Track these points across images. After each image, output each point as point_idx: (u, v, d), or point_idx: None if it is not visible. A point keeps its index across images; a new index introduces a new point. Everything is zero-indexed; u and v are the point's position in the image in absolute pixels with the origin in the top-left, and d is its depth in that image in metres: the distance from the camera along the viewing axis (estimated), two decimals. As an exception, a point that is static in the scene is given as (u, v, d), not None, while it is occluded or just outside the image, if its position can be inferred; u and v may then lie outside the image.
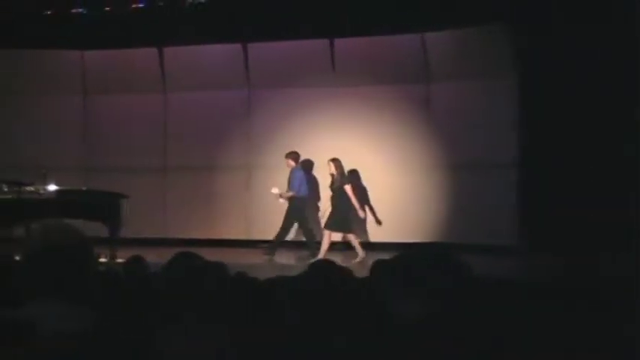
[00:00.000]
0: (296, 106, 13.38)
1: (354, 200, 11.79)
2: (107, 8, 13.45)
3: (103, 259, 10.60)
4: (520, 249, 11.52)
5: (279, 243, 12.17)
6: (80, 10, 13.59)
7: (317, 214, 12.85)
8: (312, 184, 12.94)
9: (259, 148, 13.47)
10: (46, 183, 11.17)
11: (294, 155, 12.32)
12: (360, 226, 12.62)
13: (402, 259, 3.07)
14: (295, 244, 12.52)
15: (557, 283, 5.07)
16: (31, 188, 11.04)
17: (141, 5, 13.43)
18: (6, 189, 10.92)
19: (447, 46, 12.70)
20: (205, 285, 2.93)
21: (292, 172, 12.23)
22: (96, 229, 10.46)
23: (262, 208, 13.21)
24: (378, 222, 12.75)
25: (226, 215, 13.52)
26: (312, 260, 11.42)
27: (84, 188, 12.04)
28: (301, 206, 12.18)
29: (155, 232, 13.39)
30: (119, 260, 10.09)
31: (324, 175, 12.55)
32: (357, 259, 11.33)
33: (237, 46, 13.62)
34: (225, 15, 13.08)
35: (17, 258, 4.38)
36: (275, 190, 12.17)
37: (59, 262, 2.55)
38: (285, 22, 12.94)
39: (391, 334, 2.69)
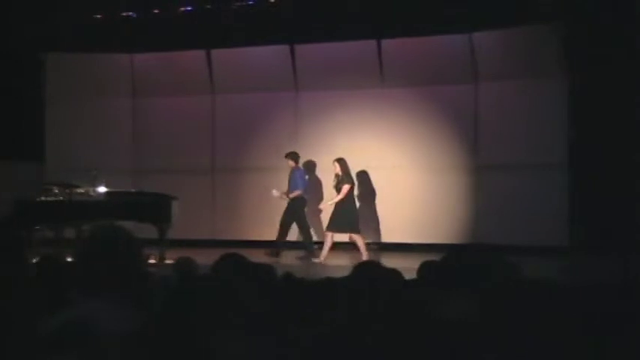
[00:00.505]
0: (342, 108, 13.34)
1: (337, 198, 11.68)
2: (155, 11, 13.57)
3: (152, 261, 10.70)
4: (571, 250, 11.38)
5: (282, 244, 12.29)
6: (129, 13, 13.74)
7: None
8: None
9: (306, 150, 13.46)
10: (97, 185, 11.32)
11: (293, 156, 12.46)
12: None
13: (449, 260, 3.05)
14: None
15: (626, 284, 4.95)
16: (82, 190, 11.19)
17: (189, 8, 13.52)
18: (57, 191, 11.07)
19: (495, 45, 12.58)
20: (253, 286, 2.94)
21: (292, 172, 12.39)
22: (146, 230, 10.53)
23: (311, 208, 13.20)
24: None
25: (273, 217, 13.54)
26: (316, 260, 11.53)
27: (133, 190, 12.15)
28: (301, 206, 12.30)
29: (204, 234, 13.49)
30: (168, 261, 10.17)
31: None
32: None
33: (285, 48, 13.62)
34: (272, 17, 13.12)
35: (69, 259, 4.44)
36: (275, 193, 12.22)
37: (109, 263, 2.57)
38: (332, 23, 12.92)
39: (437, 335, 2.67)
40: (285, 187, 12.43)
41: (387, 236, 13.05)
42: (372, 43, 13.24)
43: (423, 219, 12.87)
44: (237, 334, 2.66)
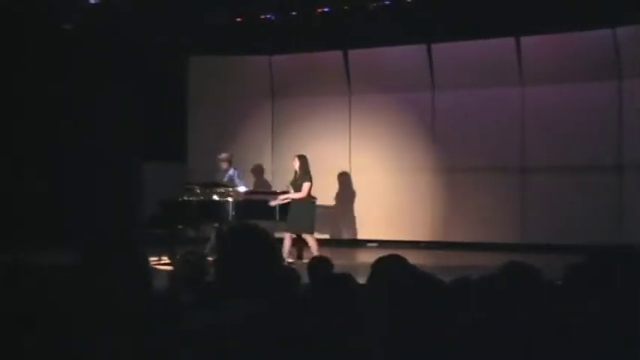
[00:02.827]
0: (480, 107, 13.17)
1: (296, 195, 11.25)
2: (293, 13, 13.77)
3: (290, 260, 10.87)
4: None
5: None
6: (268, 16, 14.00)
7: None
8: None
9: (443, 150, 13.36)
10: (236, 184, 11.58)
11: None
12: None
13: (595, 260, 2.96)
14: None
15: None
16: (222, 190, 11.46)
17: (326, 10, 13.65)
18: (198, 191, 11.38)
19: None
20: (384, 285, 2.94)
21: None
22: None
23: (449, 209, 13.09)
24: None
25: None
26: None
27: (276, 190, 12.37)
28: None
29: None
30: (304, 260, 10.30)
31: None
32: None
33: (422, 47, 13.57)
34: (409, 17, 13.07)
35: (209, 258, 4.57)
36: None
37: (248, 263, 2.62)
38: (469, 21, 12.77)
39: (586, 337, 2.61)
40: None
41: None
42: (511, 40, 12.98)
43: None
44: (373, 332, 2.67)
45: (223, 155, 12.24)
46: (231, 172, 12.09)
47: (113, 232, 2.74)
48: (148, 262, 2.81)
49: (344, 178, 14.14)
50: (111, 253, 2.65)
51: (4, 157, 12.96)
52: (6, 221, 12.51)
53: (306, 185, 11.21)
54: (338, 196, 13.97)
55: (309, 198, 11.34)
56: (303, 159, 11.48)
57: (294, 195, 11.27)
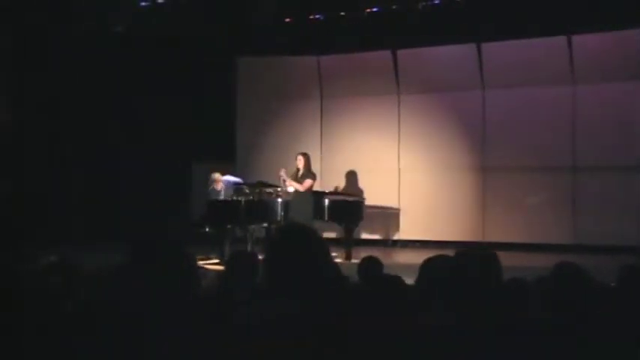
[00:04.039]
0: (530, 106, 13.06)
1: (298, 186, 11.31)
2: (342, 13, 13.78)
3: (338, 260, 10.88)
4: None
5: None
6: (317, 16, 14.03)
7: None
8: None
9: (492, 150, 13.28)
10: (286, 185, 11.63)
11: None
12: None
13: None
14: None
15: None
16: (270, 190, 11.53)
17: (375, 9, 13.64)
18: (247, 191, 11.46)
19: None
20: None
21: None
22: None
23: (499, 209, 12.99)
24: None
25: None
26: None
27: (324, 190, 12.40)
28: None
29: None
30: (354, 261, 10.31)
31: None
32: None
33: (471, 47, 13.50)
34: (458, 16, 13.01)
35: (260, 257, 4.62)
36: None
37: (296, 263, 2.64)
38: (518, 20, 12.65)
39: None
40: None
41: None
42: (562, 39, 12.84)
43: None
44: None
45: (215, 176, 12.34)
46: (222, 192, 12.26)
47: (161, 233, 2.79)
48: (195, 262, 2.84)
49: (392, 178, 14.13)
50: (159, 254, 2.69)
51: (53, 158, 13.18)
52: (56, 221, 12.75)
53: (308, 181, 11.40)
54: (386, 196, 13.95)
55: (309, 192, 11.49)
56: (307, 157, 11.60)
57: (296, 185, 11.38)
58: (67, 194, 13.45)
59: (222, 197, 11.94)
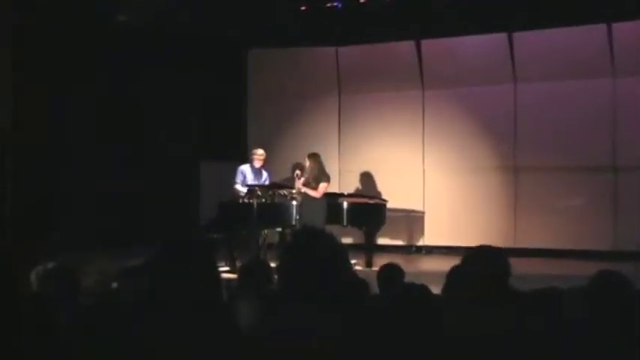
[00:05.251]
0: (567, 100, 13.00)
1: (313, 193, 11.25)
2: (361, 0, 13.76)
3: (358, 267, 10.87)
4: None
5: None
6: (334, 3, 14.01)
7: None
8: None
9: (525, 148, 13.24)
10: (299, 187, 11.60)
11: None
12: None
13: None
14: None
15: None
16: (284, 192, 11.49)
17: (397, -3, 13.63)
18: (260, 193, 11.36)
19: None
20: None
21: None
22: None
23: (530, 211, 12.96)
24: None
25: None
26: None
27: (344, 192, 12.38)
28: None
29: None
30: (375, 268, 10.28)
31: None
32: None
33: (502, 37, 13.46)
34: (487, 3, 12.96)
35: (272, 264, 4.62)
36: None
37: (313, 269, 2.63)
38: (553, 7, 12.60)
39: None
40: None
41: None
42: (602, 27, 12.77)
43: None
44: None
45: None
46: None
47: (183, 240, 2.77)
48: (218, 271, 2.83)
49: (416, 179, 14.11)
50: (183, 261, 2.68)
51: (58, 157, 13.26)
52: (68, 221, 12.87)
53: (323, 185, 11.37)
54: (409, 198, 13.93)
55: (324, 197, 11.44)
56: (317, 158, 11.58)
57: (310, 191, 11.33)
58: (74, 194, 13.56)
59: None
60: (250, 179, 11.61)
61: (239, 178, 11.65)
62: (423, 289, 3.66)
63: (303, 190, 11.36)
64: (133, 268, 3.86)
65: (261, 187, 11.50)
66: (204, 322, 2.54)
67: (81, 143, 13.39)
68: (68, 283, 3.94)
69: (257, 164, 11.73)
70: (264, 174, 11.81)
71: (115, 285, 4.18)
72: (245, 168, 11.73)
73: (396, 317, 2.81)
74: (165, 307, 2.55)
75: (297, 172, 11.58)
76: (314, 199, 11.32)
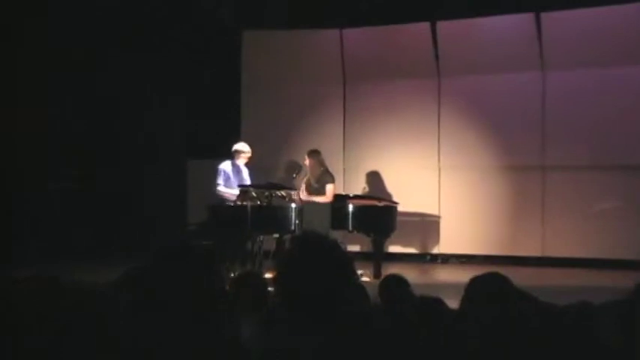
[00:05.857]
0: (601, 89, 13.01)
1: (322, 199, 11.41)
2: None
3: (365, 279, 10.89)
4: None
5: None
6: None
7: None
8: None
9: (553, 143, 13.27)
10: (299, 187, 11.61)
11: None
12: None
13: None
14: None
15: None
16: (283, 193, 11.46)
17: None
18: (254, 194, 11.30)
19: None
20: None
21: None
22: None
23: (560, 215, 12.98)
24: None
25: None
26: None
27: (349, 194, 12.39)
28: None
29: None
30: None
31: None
32: None
33: (528, 17, 13.45)
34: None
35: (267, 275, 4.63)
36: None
37: (314, 280, 2.65)
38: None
39: None
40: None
41: None
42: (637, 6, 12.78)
43: None
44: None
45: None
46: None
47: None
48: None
49: (431, 179, 14.13)
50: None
51: (42, 156, 13.39)
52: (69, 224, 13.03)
53: (330, 187, 11.54)
54: (423, 201, 13.94)
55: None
56: (317, 156, 11.67)
57: (318, 198, 11.48)
58: (59, 194, 13.69)
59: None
60: (232, 178, 11.64)
61: (222, 179, 11.67)
62: (438, 303, 3.67)
63: (310, 199, 11.41)
64: (126, 277, 3.89)
65: (257, 187, 11.46)
66: (202, 333, 2.56)
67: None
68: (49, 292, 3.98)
69: (242, 162, 11.75)
70: (245, 172, 11.82)
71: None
72: (226, 166, 11.71)
73: (403, 336, 2.82)
74: (162, 315, 2.58)
75: (295, 175, 11.62)
76: (319, 203, 11.38)
